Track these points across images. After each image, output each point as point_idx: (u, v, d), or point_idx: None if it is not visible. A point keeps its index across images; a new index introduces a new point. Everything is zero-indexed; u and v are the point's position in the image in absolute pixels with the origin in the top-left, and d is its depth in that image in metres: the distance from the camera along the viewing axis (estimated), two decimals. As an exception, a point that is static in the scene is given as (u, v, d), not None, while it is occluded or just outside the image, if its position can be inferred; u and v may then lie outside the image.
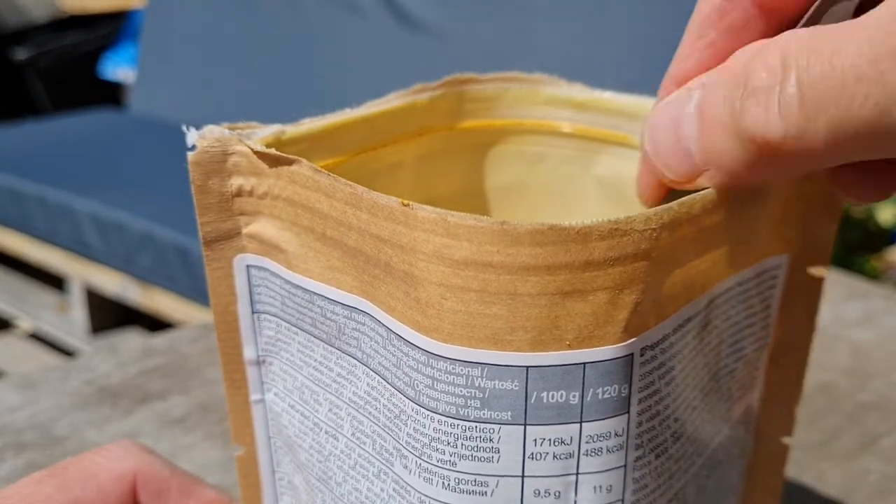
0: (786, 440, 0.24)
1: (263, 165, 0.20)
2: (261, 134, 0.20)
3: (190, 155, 0.19)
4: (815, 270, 0.23)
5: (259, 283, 0.21)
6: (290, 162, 0.19)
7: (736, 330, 0.22)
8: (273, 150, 0.19)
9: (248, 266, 0.21)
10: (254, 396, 0.22)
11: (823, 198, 0.22)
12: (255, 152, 0.19)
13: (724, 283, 0.20)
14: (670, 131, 0.18)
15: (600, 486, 0.18)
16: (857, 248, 1.41)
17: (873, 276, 1.35)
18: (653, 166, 0.18)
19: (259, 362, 0.22)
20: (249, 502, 0.23)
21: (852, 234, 1.40)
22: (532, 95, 0.27)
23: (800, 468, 0.36)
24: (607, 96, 0.26)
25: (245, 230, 0.20)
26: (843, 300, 0.52)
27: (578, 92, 0.27)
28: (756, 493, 0.25)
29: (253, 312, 0.21)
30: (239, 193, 0.20)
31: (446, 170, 0.27)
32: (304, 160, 0.19)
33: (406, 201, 0.17)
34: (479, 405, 0.17)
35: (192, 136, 0.20)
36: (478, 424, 0.17)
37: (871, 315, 0.51)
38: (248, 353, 0.22)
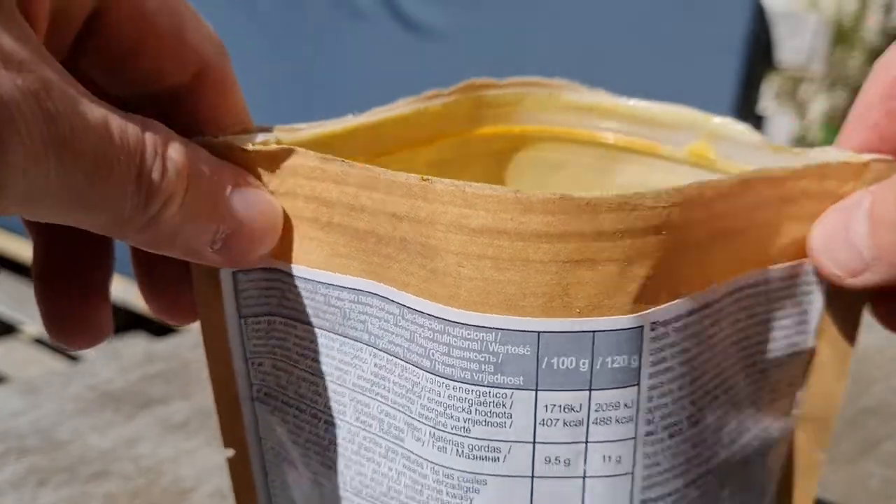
0: (820, 454, 0.24)
1: (255, 167, 0.19)
2: (257, 140, 0.21)
3: None
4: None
5: (246, 287, 0.21)
6: (290, 154, 0.19)
7: (763, 329, 0.21)
8: (274, 146, 0.19)
9: (233, 272, 0.21)
10: (243, 398, 0.22)
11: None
12: (250, 152, 0.19)
13: (747, 277, 0.20)
14: (840, 230, 0.20)
15: (609, 457, 0.18)
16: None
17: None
18: (816, 260, 0.21)
19: (247, 364, 0.22)
20: None
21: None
22: (552, 101, 0.26)
23: (801, 472, 0.36)
24: (632, 104, 0.26)
25: None
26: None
27: (602, 99, 0.26)
28: None
29: (240, 317, 0.21)
30: None
31: (459, 177, 0.27)
32: (311, 151, 0.19)
33: (425, 176, 0.17)
34: (492, 370, 0.18)
35: None
36: (491, 389, 0.18)
37: (872, 320, 0.50)
38: (237, 356, 0.22)
